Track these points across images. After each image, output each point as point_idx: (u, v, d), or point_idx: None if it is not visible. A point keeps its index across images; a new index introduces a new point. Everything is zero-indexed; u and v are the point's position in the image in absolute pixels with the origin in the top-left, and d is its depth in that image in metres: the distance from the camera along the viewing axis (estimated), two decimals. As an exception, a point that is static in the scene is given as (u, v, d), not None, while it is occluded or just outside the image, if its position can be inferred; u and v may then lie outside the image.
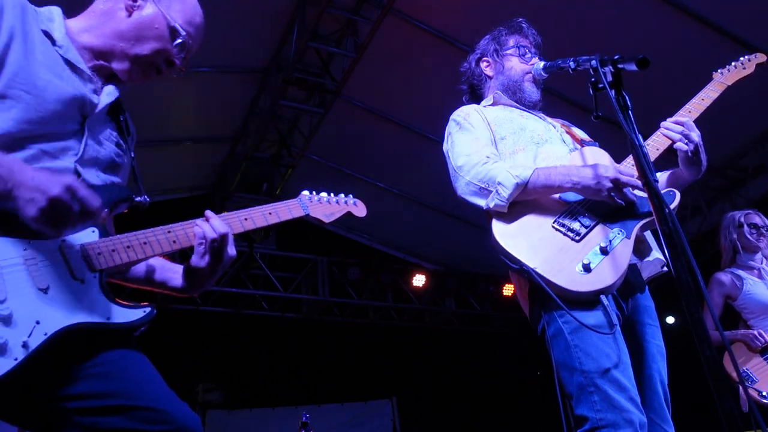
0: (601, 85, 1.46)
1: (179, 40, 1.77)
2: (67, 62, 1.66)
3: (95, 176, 1.68)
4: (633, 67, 1.46)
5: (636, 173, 2.14)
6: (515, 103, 2.61)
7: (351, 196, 2.20)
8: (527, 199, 2.27)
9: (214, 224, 1.71)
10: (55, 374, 1.49)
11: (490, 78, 2.71)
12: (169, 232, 1.70)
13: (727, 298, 4.15)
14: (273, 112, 6.88)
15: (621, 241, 2.13)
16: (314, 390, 8.44)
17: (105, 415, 1.48)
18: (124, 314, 1.55)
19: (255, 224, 1.86)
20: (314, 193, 2.08)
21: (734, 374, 3.63)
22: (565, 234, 2.17)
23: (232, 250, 1.74)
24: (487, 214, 2.32)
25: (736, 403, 1.32)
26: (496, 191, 2.24)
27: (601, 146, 2.49)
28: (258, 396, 8.28)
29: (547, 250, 2.15)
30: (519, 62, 2.63)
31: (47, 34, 1.65)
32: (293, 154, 7.55)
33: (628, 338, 2.19)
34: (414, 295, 9.04)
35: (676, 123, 2.29)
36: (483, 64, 2.73)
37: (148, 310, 1.58)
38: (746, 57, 2.68)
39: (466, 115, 2.54)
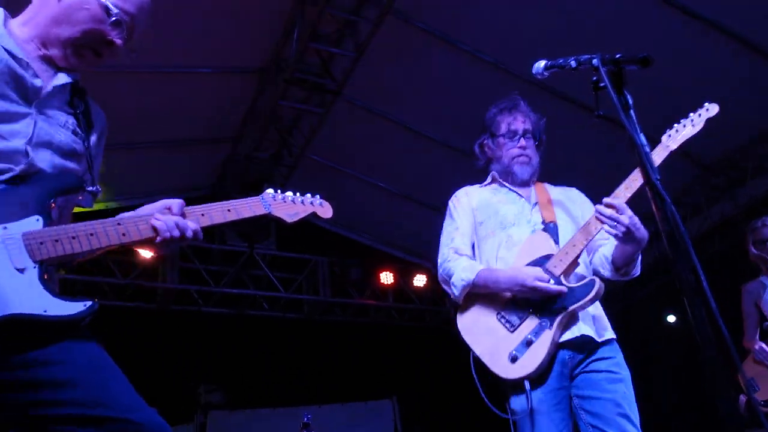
0: (602, 84, 1.47)
1: (113, 18, 1.75)
2: (7, 51, 1.68)
3: (48, 160, 1.68)
4: (635, 66, 1.46)
5: (561, 288, 2.52)
6: (507, 184, 2.94)
7: (318, 196, 2.20)
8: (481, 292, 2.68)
9: (168, 224, 1.74)
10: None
11: (492, 160, 3.02)
12: (118, 224, 1.68)
13: (757, 306, 4.30)
14: (273, 113, 6.89)
15: (543, 332, 2.49)
16: (315, 390, 8.43)
17: (80, 426, 1.47)
18: (62, 307, 1.50)
19: (212, 220, 1.87)
20: (279, 191, 2.09)
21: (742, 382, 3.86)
22: (503, 325, 2.57)
23: (185, 241, 1.78)
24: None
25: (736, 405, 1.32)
26: (452, 289, 2.74)
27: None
28: (259, 396, 8.28)
29: (490, 340, 2.56)
30: (508, 147, 2.93)
31: None
32: (293, 154, 7.55)
33: (586, 392, 2.53)
34: (415, 295, 9.04)
35: (608, 206, 2.50)
36: (485, 149, 3.04)
37: (89, 303, 1.54)
38: (697, 112, 2.58)
39: (457, 201, 2.98)
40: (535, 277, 2.53)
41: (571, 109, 5.87)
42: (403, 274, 9.03)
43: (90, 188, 1.75)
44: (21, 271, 1.49)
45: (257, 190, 7.23)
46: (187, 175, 8.19)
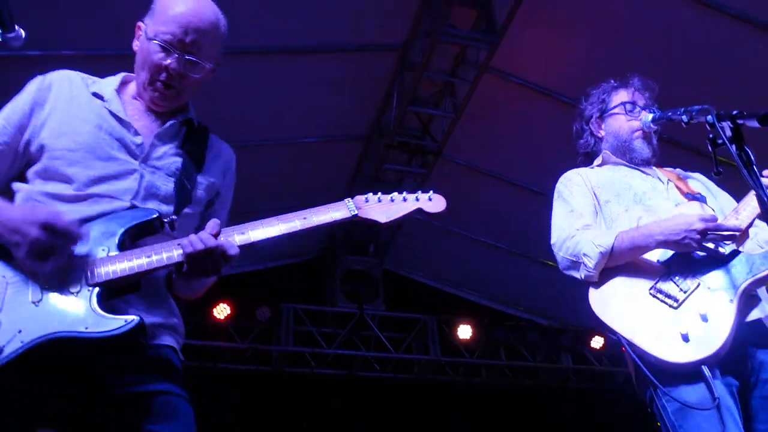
0: (720, 141, 1.40)
1: (165, 40, 1.82)
2: (112, 113, 1.85)
3: (153, 204, 1.79)
4: (754, 123, 1.38)
5: (738, 224, 2.08)
6: (625, 162, 2.57)
7: (431, 191, 1.97)
8: (621, 264, 2.22)
9: (191, 240, 1.69)
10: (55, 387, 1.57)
11: (601, 139, 2.69)
12: (179, 245, 1.70)
13: None
14: (377, 176, 7.07)
15: (723, 305, 2.03)
16: (431, 452, 8.26)
17: None
18: (103, 324, 1.54)
19: (268, 234, 1.80)
20: (378, 194, 1.92)
21: None
22: (662, 301, 2.11)
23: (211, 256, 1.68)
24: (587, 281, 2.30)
25: None
26: (583, 263, 2.24)
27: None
28: (374, 459, 8.21)
29: (644, 318, 2.09)
30: (626, 120, 2.59)
31: (97, 95, 1.87)
32: (398, 215, 7.66)
33: (748, 400, 2.07)
34: (528, 351, 8.77)
35: None
36: (592, 126, 2.72)
37: (130, 319, 1.56)
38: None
39: (568, 181, 2.57)
40: (702, 218, 2.07)
41: (686, 155, 5.63)
42: (514, 331, 8.79)
43: (166, 220, 1.78)
44: (76, 294, 1.58)
45: (364, 253, 7.35)
46: (296, 240, 8.47)
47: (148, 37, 1.85)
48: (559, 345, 8.84)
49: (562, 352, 8.97)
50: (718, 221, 2.11)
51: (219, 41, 1.94)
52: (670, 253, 2.20)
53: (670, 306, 2.09)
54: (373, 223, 1.86)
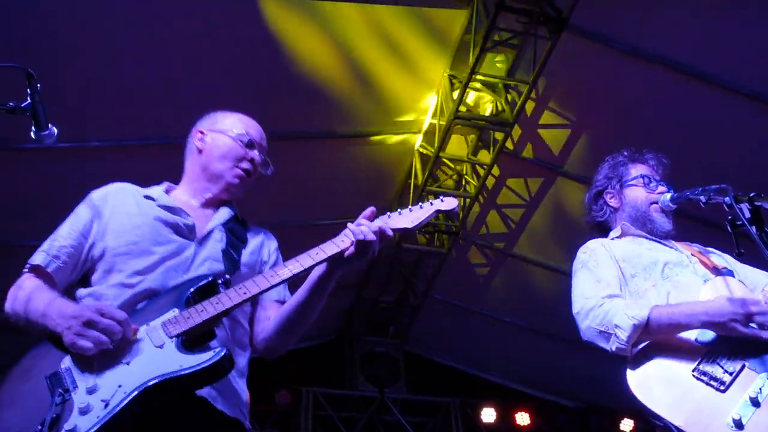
0: (739, 222, 1.40)
1: (247, 139, 2.21)
2: (162, 206, 2.09)
3: (207, 267, 1.99)
4: None
5: None
6: (645, 234, 2.54)
7: (441, 197, 2.17)
8: (658, 341, 2.14)
9: (369, 225, 1.94)
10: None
11: (616, 210, 2.67)
12: (240, 287, 1.88)
13: None
14: (396, 257, 7.08)
15: None
16: None
17: None
18: (194, 360, 1.69)
19: (303, 266, 1.95)
20: (391, 212, 2.10)
21: None
22: (707, 384, 2.02)
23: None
24: (623, 358, 2.19)
25: None
26: (615, 335, 2.14)
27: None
28: None
29: (690, 403, 2.00)
30: (645, 192, 2.59)
31: (148, 197, 2.12)
32: (417, 295, 7.63)
33: None
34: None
35: None
36: (607, 197, 2.70)
37: (218, 350, 1.71)
38: None
39: (591, 251, 2.50)
40: (748, 301, 2.04)
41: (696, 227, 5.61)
42: (540, 413, 8.51)
43: (220, 280, 1.95)
44: (161, 347, 1.74)
45: (383, 333, 7.26)
46: (314, 324, 8.43)
47: (230, 135, 2.21)
48: (587, 427, 8.53)
49: (590, 435, 8.64)
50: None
51: None
52: (708, 332, 2.13)
53: (717, 389, 2.02)
54: (403, 231, 2.07)
